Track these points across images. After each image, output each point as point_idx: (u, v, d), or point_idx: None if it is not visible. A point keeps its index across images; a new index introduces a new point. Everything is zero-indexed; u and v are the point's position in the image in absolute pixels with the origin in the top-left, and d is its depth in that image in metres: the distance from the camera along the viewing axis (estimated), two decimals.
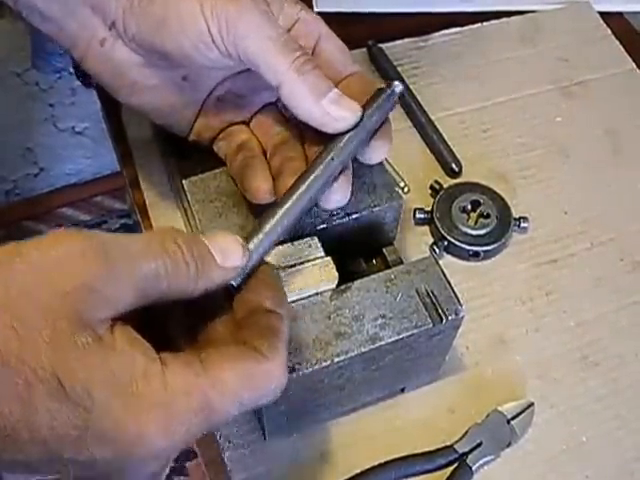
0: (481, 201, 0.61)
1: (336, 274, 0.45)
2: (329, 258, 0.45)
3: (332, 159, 0.42)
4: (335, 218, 0.48)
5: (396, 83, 0.44)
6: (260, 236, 0.38)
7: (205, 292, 0.34)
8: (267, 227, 0.39)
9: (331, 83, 0.42)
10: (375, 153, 0.44)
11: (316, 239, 0.46)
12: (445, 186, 0.62)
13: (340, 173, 0.43)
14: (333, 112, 0.41)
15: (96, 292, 0.29)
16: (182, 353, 0.32)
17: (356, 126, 0.42)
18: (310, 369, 0.42)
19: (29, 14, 0.43)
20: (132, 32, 0.42)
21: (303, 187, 0.41)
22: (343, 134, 0.42)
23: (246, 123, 0.50)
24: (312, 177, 0.41)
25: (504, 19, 0.78)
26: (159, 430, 0.30)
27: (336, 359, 0.43)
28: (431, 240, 0.61)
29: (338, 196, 0.43)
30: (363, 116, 0.42)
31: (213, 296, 0.35)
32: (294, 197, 0.40)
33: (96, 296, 0.29)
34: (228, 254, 0.35)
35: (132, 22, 0.42)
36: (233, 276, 0.35)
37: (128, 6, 0.42)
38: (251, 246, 0.38)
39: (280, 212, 0.40)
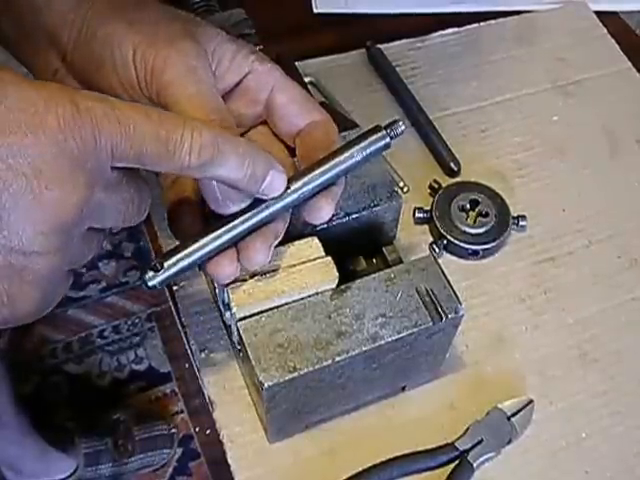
0: (480, 200, 0.61)
1: (336, 274, 0.45)
2: (329, 258, 0.45)
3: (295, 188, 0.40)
4: (335, 218, 0.48)
5: (400, 123, 0.41)
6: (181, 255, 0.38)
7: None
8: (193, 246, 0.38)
9: None
10: (314, 214, 0.42)
11: (316, 239, 0.46)
12: (444, 185, 0.63)
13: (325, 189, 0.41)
14: None
15: None
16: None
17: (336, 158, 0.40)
18: (311, 368, 0.43)
19: None
20: (77, 67, 0.42)
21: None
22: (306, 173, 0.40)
23: None
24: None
25: (501, 19, 0.78)
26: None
27: (337, 358, 0.43)
28: (430, 239, 0.61)
29: (321, 213, 0.42)
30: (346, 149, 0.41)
31: None
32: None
33: None
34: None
35: (77, 57, 0.41)
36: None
37: (76, 40, 0.41)
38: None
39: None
